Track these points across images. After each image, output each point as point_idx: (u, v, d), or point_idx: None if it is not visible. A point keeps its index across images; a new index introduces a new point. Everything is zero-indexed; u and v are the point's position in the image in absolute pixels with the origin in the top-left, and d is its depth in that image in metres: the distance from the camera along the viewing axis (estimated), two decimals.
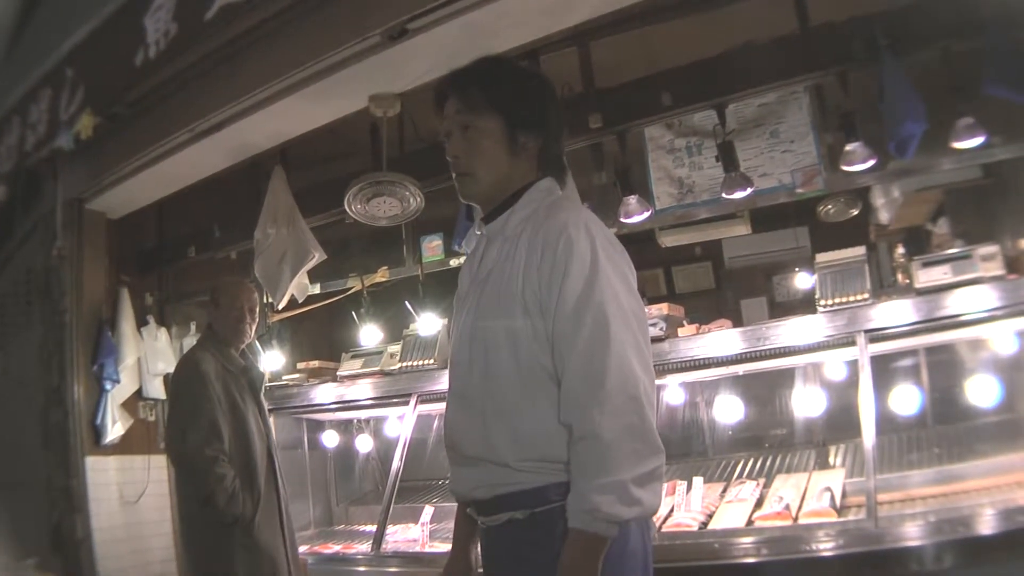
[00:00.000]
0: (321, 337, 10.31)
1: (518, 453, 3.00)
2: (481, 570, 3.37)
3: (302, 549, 6.74)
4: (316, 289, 8.42)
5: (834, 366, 6.45)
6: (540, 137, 3.36)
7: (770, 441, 6.98)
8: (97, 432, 8.27)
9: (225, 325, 6.27)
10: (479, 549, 3.39)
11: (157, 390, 8.75)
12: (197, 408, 5.86)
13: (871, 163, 5.88)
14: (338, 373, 7.77)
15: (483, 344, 3.15)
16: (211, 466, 5.68)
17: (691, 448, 7.23)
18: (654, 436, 2.93)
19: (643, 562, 3.05)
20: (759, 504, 5.74)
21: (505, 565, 3.14)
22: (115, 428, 8.35)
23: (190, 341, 8.66)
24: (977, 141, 5.64)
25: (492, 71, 3.46)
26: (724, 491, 6.12)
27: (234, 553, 5.76)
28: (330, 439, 8.65)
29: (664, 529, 5.61)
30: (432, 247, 7.85)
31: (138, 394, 8.80)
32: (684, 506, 5.86)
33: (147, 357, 8.85)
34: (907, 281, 6.23)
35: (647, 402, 2.94)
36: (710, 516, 5.72)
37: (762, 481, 6.12)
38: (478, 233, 3.53)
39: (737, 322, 6.40)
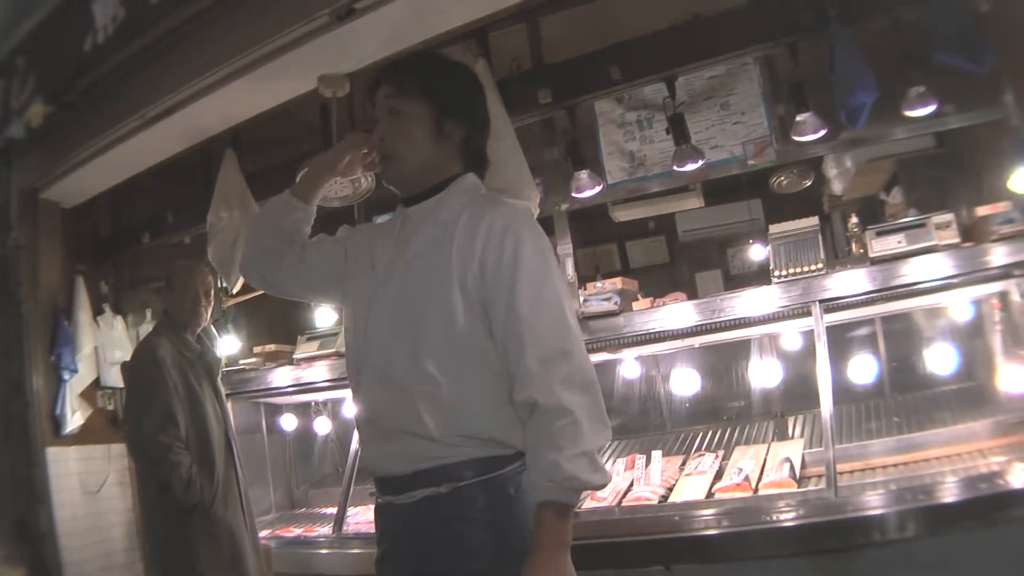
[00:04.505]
0: (276, 320, 10.25)
1: (448, 428, 3.09)
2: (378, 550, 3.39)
3: (264, 533, 6.75)
4: None
5: (790, 337, 6.50)
6: (465, 127, 3.47)
7: (728, 413, 7.03)
8: (57, 422, 8.22)
9: (180, 309, 6.23)
10: (378, 529, 3.41)
11: (115, 379, 8.67)
12: (151, 395, 5.83)
13: (822, 133, 5.87)
14: (294, 356, 7.72)
15: (411, 322, 3.21)
16: (166, 453, 5.66)
17: (649, 422, 7.27)
18: (605, 412, 3.08)
19: None
20: (719, 476, 5.77)
21: (422, 540, 3.16)
22: (74, 418, 8.30)
23: (146, 328, 8.62)
24: (929, 110, 5.66)
25: (424, 61, 3.63)
26: (683, 464, 6.15)
27: (195, 539, 5.75)
28: (288, 422, 8.66)
29: (624, 503, 5.64)
30: None
31: (96, 383, 8.75)
32: (644, 480, 5.88)
33: (104, 345, 8.79)
34: (861, 251, 6.24)
35: (597, 381, 3.10)
36: (670, 489, 5.73)
37: (721, 453, 6.16)
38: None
39: (692, 295, 6.37)
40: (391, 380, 3.21)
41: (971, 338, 6.25)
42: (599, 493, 5.75)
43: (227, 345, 8.39)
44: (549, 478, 2.91)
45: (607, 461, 6.51)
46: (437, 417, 3.10)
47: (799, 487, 5.28)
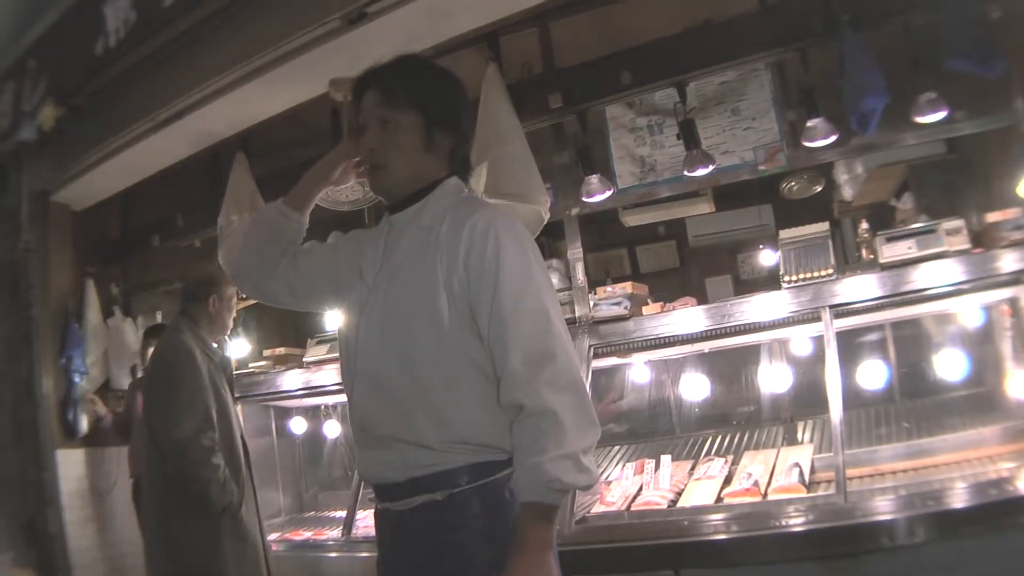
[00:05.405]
0: (286, 324, 10.23)
1: (441, 435, 3.09)
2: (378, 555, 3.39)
3: (273, 536, 6.76)
4: None
5: (800, 342, 6.50)
6: (453, 136, 3.44)
7: (738, 418, 7.00)
8: (67, 425, 8.22)
9: (223, 315, 6.28)
10: (377, 533, 3.41)
11: (125, 381, 8.70)
12: (192, 396, 5.78)
13: (833, 139, 5.86)
14: (304, 359, 7.71)
15: (400, 328, 3.19)
16: (208, 457, 5.63)
17: (658, 426, 7.24)
18: (593, 411, 3.08)
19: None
20: (728, 481, 5.73)
21: (419, 547, 3.16)
22: (84, 421, 8.31)
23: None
24: (939, 116, 5.62)
25: (414, 69, 3.50)
26: (692, 469, 6.11)
27: (222, 542, 5.73)
28: (298, 426, 8.61)
29: (633, 508, 5.60)
30: None
31: (106, 386, 8.75)
32: (653, 484, 5.85)
33: (114, 348, 8.80)
34: (871, 256, 6.24)
35: (583, 381, 3.24)
36: (679, 494, 5.70)
37: (730, 458, 6.12)
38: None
39: (702, 300, 6.37)
40: (383, 388, 3.22)
41: (981, 344, 6.23)
42: (608, 497, 5.76)
43: (238, 348, 8.40)
44: (532, 479, 2.92)
45: (616, 465, 6.52)
46: (430, 424, 3.10)
47: (808, 492, 5.26)
